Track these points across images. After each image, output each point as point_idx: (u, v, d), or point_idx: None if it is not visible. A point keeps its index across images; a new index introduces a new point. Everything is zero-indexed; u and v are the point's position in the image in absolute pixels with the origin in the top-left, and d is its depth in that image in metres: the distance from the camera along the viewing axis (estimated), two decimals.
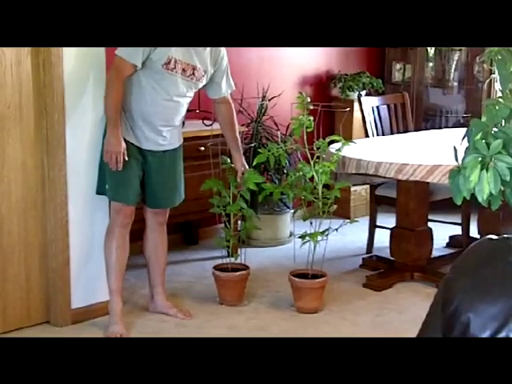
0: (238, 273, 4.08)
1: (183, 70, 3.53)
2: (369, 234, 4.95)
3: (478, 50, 5.26)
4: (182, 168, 3.81)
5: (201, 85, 3.68)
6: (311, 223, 3.94)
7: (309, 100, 3.94)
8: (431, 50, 6.12)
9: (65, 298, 3.71)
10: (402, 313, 4.00)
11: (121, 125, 3.48)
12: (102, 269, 3.67)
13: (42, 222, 3.66)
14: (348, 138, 4.54)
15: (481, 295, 1.38)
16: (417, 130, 5.50)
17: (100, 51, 3.63)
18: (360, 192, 5.79)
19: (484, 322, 1.35)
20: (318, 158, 3.91)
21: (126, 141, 3.50)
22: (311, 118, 3.90)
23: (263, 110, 5.04)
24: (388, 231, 4.59)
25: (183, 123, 3.81)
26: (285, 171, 4.89)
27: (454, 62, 6.10)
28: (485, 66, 5.53)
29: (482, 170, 2.36)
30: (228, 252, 4.14)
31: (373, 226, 4.93)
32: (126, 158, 3.48)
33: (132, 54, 3.40)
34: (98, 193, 3.65)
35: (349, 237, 5.16)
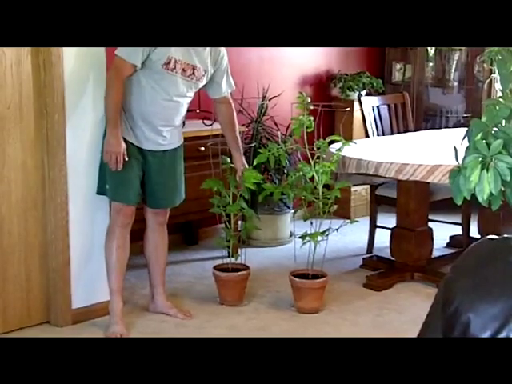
0: (238, 273, 4.08)
1: (183, 69, 3.53)
2: (369, 234, 4.95)
3: (478, 50, 5.26)
4: (183, 168, 3.81)
5: (201, 85, 3.68)
6: (311, 223, 3.94)
7: (309, 100, 3.94)
8: (431, 50, 6.12)
9: (65, 298, 3.71)
10: (402, 313, 4.00)
11: (121, 125, 3.48)
12: (102, 269, 3.67)
13: (43, 222, 3.66)
14: (348, 137, 4.54)
15: (481, 295, 1.38)
16: (417, 129, 5.49)
17: (100, 51, 3.63)
18: (360, 192, 5.79)
19: (484, 322, 1.35)
20: (318, 158, 3.92)
21: (126, 141, 3.50)
22: (311, 118, 3.90)
23: (263, 110, 5.04)
24: (388, 231, 4.59)
25: (183, 123, 3.81)
26: (285, 171, 4.89)
27: (454, 62, 6.10)
28: (485, 65, 5.53)
29: (482, 170, 2.36)
30: (228, 252, 4.13)
31: (373, 226, 4.93)
32: (126, 158, 3.48)
33: (132, 54, 3.40)
34: (98, 193, 3.65)
35: (349, 237, 5.16)
